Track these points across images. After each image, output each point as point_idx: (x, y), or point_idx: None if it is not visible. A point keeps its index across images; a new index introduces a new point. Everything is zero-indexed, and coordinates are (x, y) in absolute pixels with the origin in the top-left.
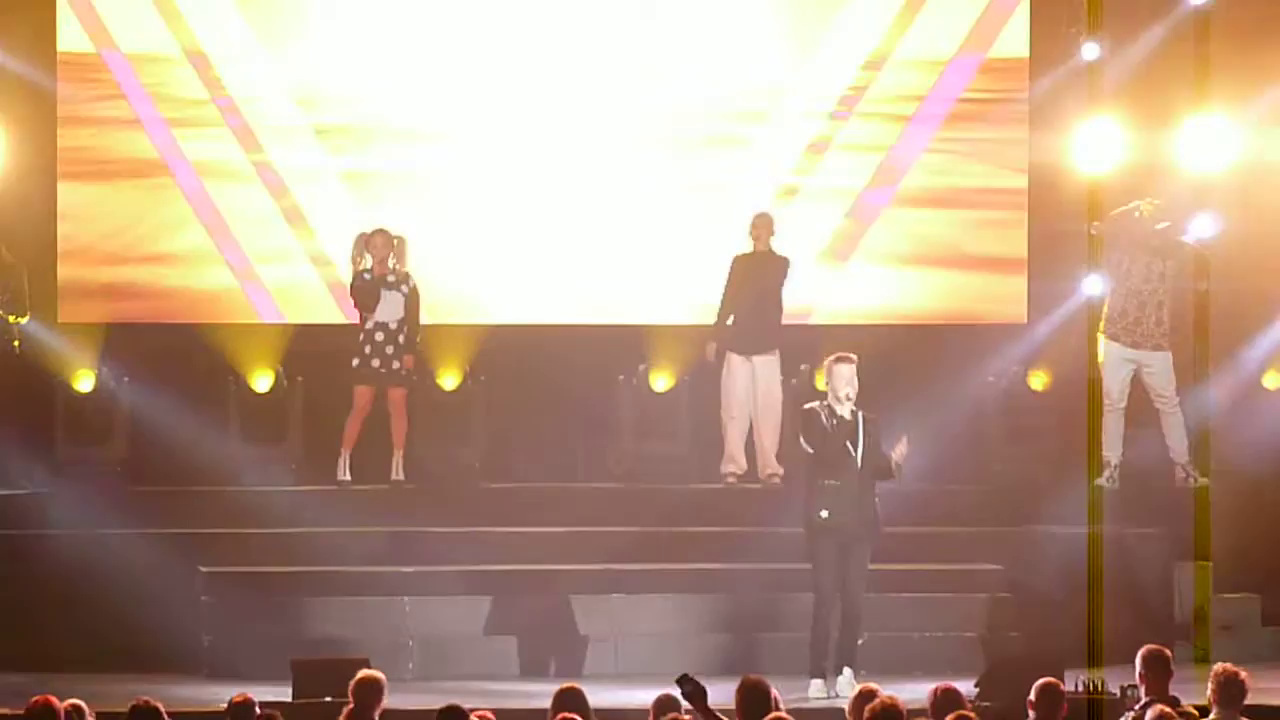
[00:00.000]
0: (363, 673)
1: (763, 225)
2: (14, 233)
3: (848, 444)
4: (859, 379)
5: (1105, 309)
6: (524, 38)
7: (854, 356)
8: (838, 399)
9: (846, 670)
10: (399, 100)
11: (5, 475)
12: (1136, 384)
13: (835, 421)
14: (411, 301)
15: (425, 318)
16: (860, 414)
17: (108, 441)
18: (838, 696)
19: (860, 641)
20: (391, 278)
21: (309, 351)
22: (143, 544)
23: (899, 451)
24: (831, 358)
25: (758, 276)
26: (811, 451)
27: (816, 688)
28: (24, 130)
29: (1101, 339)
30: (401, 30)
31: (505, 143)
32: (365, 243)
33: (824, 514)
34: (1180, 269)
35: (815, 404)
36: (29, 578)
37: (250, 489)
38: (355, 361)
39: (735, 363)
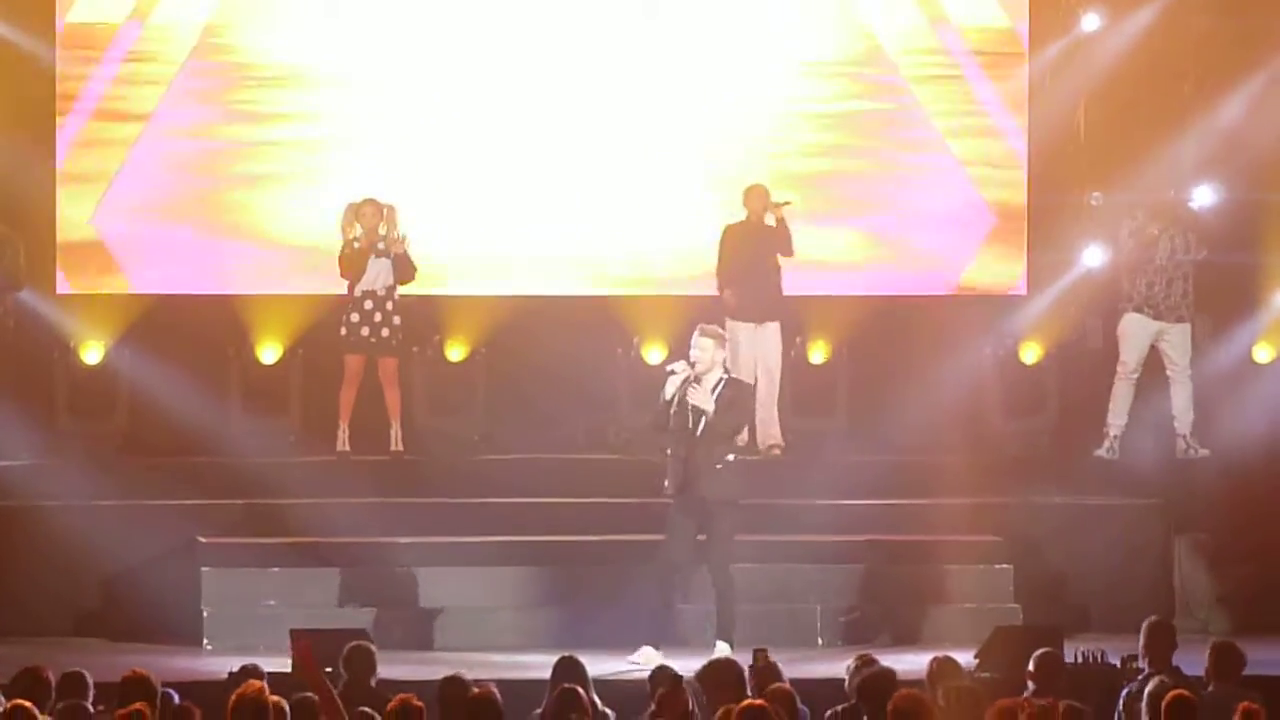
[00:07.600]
0: (353, 644)
1: (754, 195)
2: (12, 205)
3: (689, 413)
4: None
5: (1129, 283)
6: (527, 10)
7: (712, 330)
8: (689, 367)
9: (720, 644)
10: (403, 74)
11: (4, 446)
12: (1150, 354)
13: (683, 389)
14: (400, 268)
15: (426, 290)
16: (722, 383)
17: (108, 413)
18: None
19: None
20: (381, 245)
21: (310, 323)
22: (142, 514)
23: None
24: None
25: (753, 246)
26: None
27: (647, 655)
28: (22, 102)
29: (1126, 312)
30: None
31: (505, 115)
32: (355, 212)
33: (665, 483)
34: (1199, 240)
35: (675, 366)
36: (28, 548)
37: (250, 460)
38: (343, 330)
39: (740, 331)
